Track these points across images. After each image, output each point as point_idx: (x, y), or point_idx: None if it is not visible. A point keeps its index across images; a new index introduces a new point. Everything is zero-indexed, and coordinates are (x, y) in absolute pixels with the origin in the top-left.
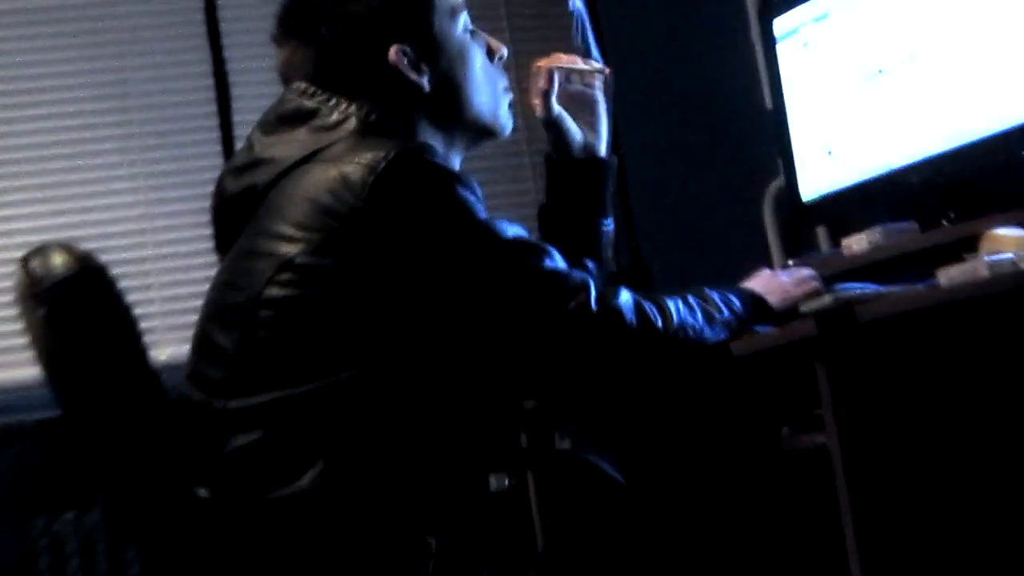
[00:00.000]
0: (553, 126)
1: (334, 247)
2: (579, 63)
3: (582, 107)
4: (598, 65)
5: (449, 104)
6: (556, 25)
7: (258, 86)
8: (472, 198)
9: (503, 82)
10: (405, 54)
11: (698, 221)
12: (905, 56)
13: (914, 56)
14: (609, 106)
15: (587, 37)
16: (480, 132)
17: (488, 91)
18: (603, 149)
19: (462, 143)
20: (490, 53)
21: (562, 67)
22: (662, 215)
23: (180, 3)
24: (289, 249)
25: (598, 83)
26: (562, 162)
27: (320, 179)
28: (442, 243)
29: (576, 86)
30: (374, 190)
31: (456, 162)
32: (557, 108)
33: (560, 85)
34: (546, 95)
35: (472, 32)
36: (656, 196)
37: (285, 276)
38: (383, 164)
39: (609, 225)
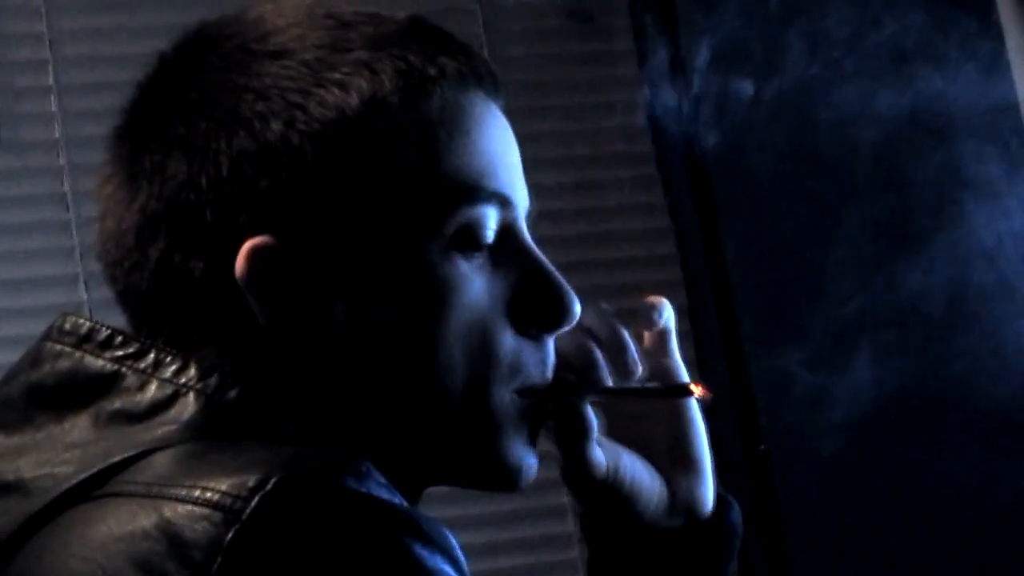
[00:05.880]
0: (601, 488)
1: None
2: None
3: (652, 432)
4: (684, 386)
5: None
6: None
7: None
8: (447, 569)
9: (537, 368)
10: (272, 257)
11: None
12: None
13: None
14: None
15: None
16: (447, 469)
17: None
18: (707, 501)
19: (418, 467)
20: (532, 309)
21: (607, 390)
22: None
23: None
24: None
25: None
26: (629, 535)
27: (118, 533)
28: None
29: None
30: (231, 559)
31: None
32: (606, 459)
33: (612, 418)
34: (579, 440)
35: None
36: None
37: None
38: (254, 502)
39: None
